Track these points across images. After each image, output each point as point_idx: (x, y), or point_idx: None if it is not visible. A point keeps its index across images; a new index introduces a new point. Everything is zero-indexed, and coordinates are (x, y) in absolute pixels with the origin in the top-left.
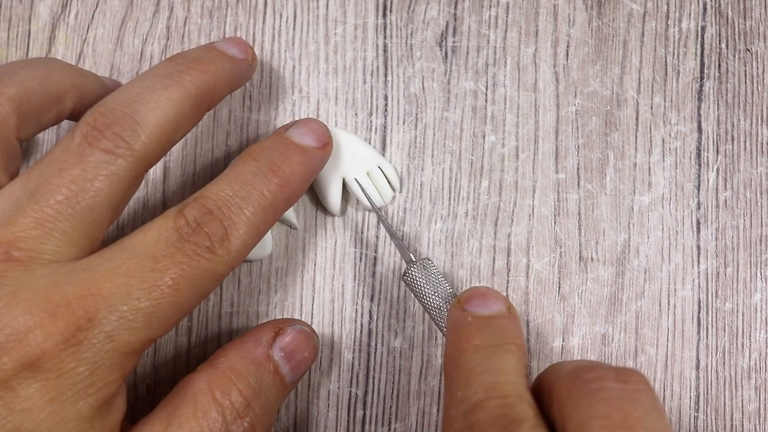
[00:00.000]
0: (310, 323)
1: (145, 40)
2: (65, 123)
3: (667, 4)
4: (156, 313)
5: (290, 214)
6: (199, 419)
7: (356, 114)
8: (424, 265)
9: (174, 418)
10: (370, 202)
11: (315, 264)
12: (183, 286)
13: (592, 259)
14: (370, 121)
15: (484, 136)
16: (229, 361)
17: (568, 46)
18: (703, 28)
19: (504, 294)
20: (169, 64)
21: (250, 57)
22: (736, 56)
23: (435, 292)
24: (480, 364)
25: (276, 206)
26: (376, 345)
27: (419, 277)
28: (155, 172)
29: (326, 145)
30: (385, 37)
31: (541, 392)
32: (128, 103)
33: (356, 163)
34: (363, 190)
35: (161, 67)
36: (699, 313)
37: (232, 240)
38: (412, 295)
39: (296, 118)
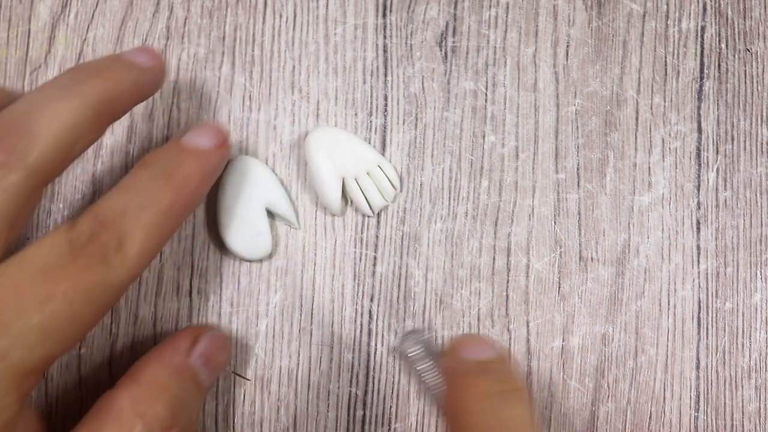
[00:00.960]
0: (309, 323)
1: (145, 40)
2: None
3: (667, 4)
4: (50, 329)
5: (290, 214)
6: None
7: (356, 114)
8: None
9: None
10: (369, 207)
11: (315, 264)
12: (77, 298)
13: (592, 259)
14: (370, 121)
15: (484, 136)
16: (151, 375)
17: (568, 46)
18: (703, 28)
19: (503, 294)
20: (68, 74)
21: (160, 65)
22: (736, 56)
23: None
24: (492, 415)
25: (173, 211)
26: (376, 345)
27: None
28: None
29: (223, 144)
30: (385, 37)
31: None
32: (23, 115)
33: (356, 163)
34: (362, 192)
35: (60, 78)
36: (699, 313)
37: (127, 248)
38: (412, 295)
39: (296, 118)
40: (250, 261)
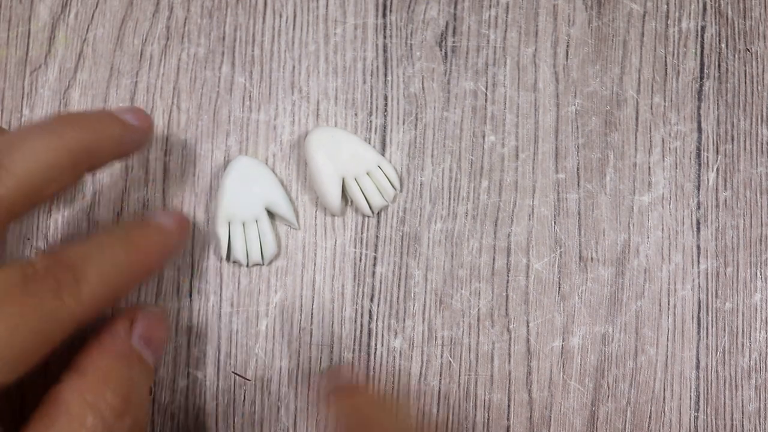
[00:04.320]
0: (309, 323)
1: (145, 40)
2: None
3: (667, 4)
4: None
5: (290, 214)
6: (77, 429)
7: (356, 114)
8: None
9: None
10: (369, 208)
11: (315, 264)
12: (22, 326)
13: (592, 259)
14: (370, 121)
15: (484, 136)
16: (95, 364)
17: (567, 46)
18: (703, 28)
19: (503, 294)
20: (53, 118)
21: (146, 126)
22: (736, 56)
23: None
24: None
25: (130, 272)
26: (376, 345)
27: None
28: (155, 172)
29: (185, 227)
30: (385, 37)
31: None
32: (1, 148)
33: (356, 163)
34: (363, 192)
35: (44, 120)
36: (699, 313)
37: (81, 288)
38: (412, 295)
39: (296, 118)
40: (259, 265)
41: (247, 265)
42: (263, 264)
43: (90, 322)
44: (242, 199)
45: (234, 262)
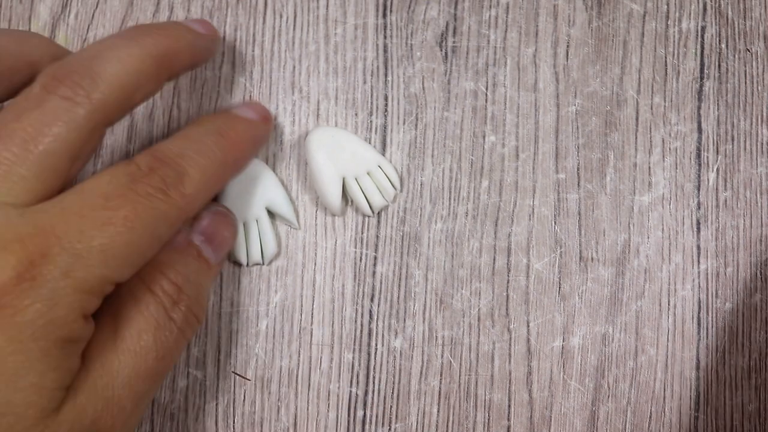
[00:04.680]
0: (310, 323)
1: None
2: None
3: (667, 4)
4: (110, 251)
5: (290, 214)
6: (143, 313)
7: (356, 114)
8: None
9: (120, 318)
10: (370, 207)
11: (315, 264)
12: (137, 224)
13: (592, 259)
14: (370, 121)
15: (484, 136)
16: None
17: (568, 46)
18: (703, 28)
19: (504, 294)
20: (131, 29)
21: (214, 34)
22: (736, 56)
23: None
24: None
25: (226, 165)
26: (376, 345)
27: None
28: None
29: (267, 119)
30: (385, 37)
31: None
32: (89, 58)
33: (356, 163)
34: (363, 192)
35: (124, 31)
36: (699, 313)
37: (185, 185)
38: (413, 295)
39: (296, 118)
40: (259, 264)
41: (248, 265)
42: (263, 264)
43: (190, 217)
44: (242, 198)
45: (234, 261)
